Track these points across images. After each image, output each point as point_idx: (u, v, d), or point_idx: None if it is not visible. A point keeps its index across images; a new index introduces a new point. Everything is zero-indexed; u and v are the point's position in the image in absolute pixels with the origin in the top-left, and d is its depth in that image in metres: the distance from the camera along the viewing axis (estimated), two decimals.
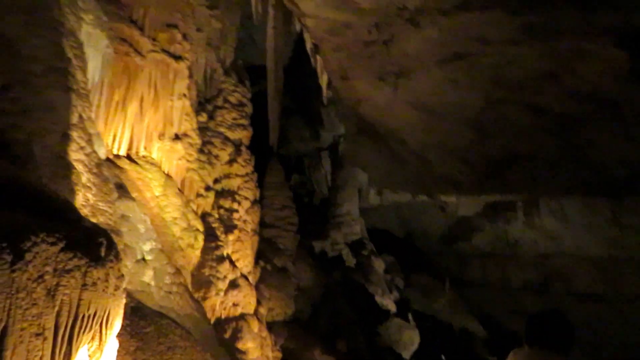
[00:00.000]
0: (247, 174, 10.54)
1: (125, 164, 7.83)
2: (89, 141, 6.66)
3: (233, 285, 9.41)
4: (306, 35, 11.76)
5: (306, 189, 20.11)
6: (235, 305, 9.32)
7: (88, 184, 6.38)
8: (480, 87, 9.91)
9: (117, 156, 7.80)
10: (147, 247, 7.22)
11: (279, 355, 10.19)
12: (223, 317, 9.14)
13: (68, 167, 5.82)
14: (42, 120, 5.22)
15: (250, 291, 9.78)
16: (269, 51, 12.03)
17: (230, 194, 10.15)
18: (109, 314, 4.00)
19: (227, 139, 10.28)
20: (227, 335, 8.96)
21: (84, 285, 3.59)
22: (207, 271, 9.04)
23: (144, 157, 8.27)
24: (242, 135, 10.62)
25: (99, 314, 3.81)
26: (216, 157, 9.99)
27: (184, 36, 8.77)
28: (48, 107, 5.41)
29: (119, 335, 5.77)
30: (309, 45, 11.90)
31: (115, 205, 6.93)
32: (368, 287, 14.48)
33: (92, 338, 4.05)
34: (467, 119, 10.97)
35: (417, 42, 8.59)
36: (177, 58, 8.54)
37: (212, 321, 8.94)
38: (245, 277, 9.88)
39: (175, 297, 7.44)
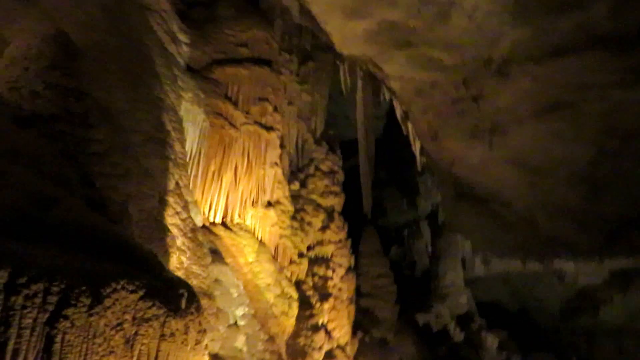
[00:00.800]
0: (340, 241, 10.40)
1: (220, 230, 8.07)
2: (185, 207, 6.98)
3: (329, 356, 9.03)
4: (395, 103, 11.85)
5: (407, 261, 19.45)
6: None
7: (183, 248, 6.61)
8: (588, 138, 9.16)
9: (213, 223, 8.07)
10: (239, 312, 7.20)
11: None
12: None
13: (164, 230, 6.10)
14: (140, 185, 5.57)
15: None
16: (358, 120, 12.21)
17: (324, 260, 10.02)
18: None
19: (319, 206, 10.32)
20: None
21: (162, 335, 3.55)
22: (302, 340, 8.79)
23: (238, 224, 8.49)
24: (334, 202, 10.62)
25: None
26: (309, 224, 10.01)
27: (275, 108, 9.18)
28: (146, 173, 5.79)
29: None
30: (399, 113, 11.95)
31: (209, 269, 7.07)
32: None
33: None
34: (576, 174, 10.11)
35: (509, 94, 8.24)
36: (269, 129, 8.91)
37: None
38: (342, 348, 9.46)
39: None
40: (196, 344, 3.95)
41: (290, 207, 9.51)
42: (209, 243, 7.49)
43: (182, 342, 3.74)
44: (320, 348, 8.90)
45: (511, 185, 10.91)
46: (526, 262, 14.25)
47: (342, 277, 10.17)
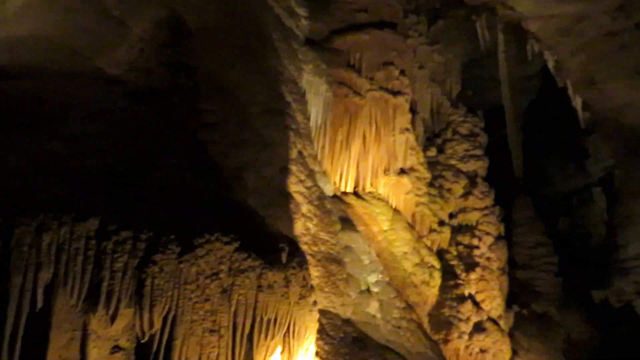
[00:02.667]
0: (486, 207, 9.58)
1: (352, 199, 7.98)
2: (310, 176, 7.02)
3: (479, 328, 8.40)
4: (546, 54, 10.54)
5: (577, 232, 17.40)
6: (483, 351, 8.25)
7: (308, 215, 6.66)
8: None
9: (344, 193, 8.02)
10: (372, 278, 7.04)
11: None
12: None
13: (286, 197, 6.19)
14: (258, 153, 5.72)
15: (502, 337, 8.56)
16: (502, 76, 11.13)
17: (468, 229, 9.33)
18: (293, 323, 3.86)
19: (459, 171, 9.64)
20: None
21: (260, 287, 3.56)
22: (446, 311, 8.31)
23: (370, 192, 8.31)
24: (477, 166, 9.82)
25: (280, 320, 3.71)
26: (448, 190, 9.40)
27: (402, 72, 8.77)
28: (265, 142, 5.93)
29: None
30: (550, 64, 10.60)
31: (338, 236, 7.03)
32: None
33: (282, 350, 3.95)
34: None
35: None
36: (396, 93, 8.54)
37: None
38: (494, 321, 8.74)
39: (405, 332, 6.97)
40: (300, 299, 3.89)
41: (426, 174, 9.04)
42: (340, 212, 7.44)
43: (283, 295, 3.71)
44: (468, 319, 8.32)
45: None
46: None
47: (490, 246, 9.37)
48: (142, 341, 3.10)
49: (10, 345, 2.57)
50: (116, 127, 3.96)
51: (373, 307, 6.72)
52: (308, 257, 6.30)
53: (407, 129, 8.78)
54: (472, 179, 9.76)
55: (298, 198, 6.45)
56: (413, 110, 9.66)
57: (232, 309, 3.42)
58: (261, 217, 4.29)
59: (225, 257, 3.45)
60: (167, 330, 3.07)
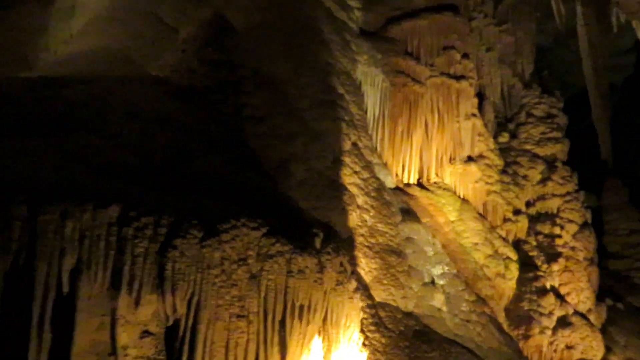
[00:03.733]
0: (568, 193, 8.80)
1: (415, 191, 7.67)
2: (367, 167, 6.82)
3: (564, 323, 7.70)
4: (635, 23, 9.53)
5: None
6: (569, 347, 7.55)
7: (365, 206, 6.46)
8: None
9: (407, 185, 7.72)
10: (437, 270, 6.68)
11: None
12: None
13: (339, 189, 6.05)
14: (307, 145, 5.65)
15: (592, 333, 7.78)
16: (583, 52, 10.22)
17: (548, 217, 8.62)
18: (330, 310, 3.73)
19: (535, 156, 8.94)
20: None
21: (289, 272, 3.47)
22: (526, 305, 7.71)
23: (435, 183, 7.94)
24: (555, 149, 9.05)
25: (314, 306, 3.59)
26: (524, 177, 8.75)
27: (465, 55, 8.32)
28: (314, 135, 5.84)
29: (395, 355, 5.38)
30: None
31: (399, 227, 6.75)
32: None
33: (322, 338, 3.84)
34: None
35: None
36: (459, 78, 8.11)
37: None
38: (582, 315, 7.98)
39: (475, 326, 6.52)
40: (337, 285, 3.75)
41: (498, 161, 8.48)
42: (401, 203, 7.17)
43: (316, 281, 3.59)
44: (551, 313, 7.65)
45: None
46: None
47: (574, 235, 8.58)
48: (168, 325, 3.13)
49: (38, 328, 2.69)
50: (157, 123, 4.07)
51: (438, 300, 6.36)
52: (364, 249, 6.15)
53: (473, 115, 8.30)
54: (550, 163, 9.02)
55: (353, 190, 6.29)
56: (481, 95, 9.13)
57: (262, 294, 3.36)
58: (298, 206, 4.19)
59: (252, 243, 3.40)
60: (192, 314, 3.07)
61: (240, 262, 3.33)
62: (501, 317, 7.37)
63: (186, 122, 4.29)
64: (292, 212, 3.98)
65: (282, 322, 3.48)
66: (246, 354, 3.26)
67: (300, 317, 3.55)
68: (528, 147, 9.05)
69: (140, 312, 3.09)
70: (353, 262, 5.79)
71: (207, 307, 3.10)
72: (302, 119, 5.75)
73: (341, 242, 4.00)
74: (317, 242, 3.74)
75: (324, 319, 3.76)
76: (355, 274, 4.00)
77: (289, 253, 3.48)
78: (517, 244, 8.26)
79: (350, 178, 6.28)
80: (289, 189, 4.87)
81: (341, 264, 3.84)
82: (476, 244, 7.68)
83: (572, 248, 8.49)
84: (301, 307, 3.55)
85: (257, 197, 3.94)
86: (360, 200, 6.30)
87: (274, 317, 3.41)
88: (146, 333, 3.12)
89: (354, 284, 3.96)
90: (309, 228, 3.78)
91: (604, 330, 8.27)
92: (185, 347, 3.06)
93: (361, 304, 5.44)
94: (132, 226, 2.95)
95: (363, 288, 5.71)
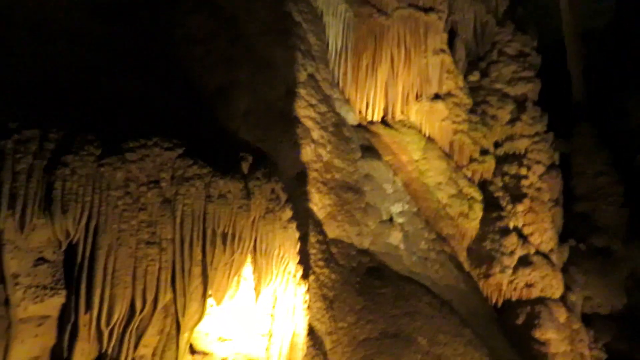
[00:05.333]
0: (536, 134, 8.46)
1: (379, 128, 7.26)
2: (324, 101, 6.36)
3: (525, 262, 7.53)
4: None
5: None
6: (529, 286, 7.41)
7: (321, 141, 6.05)
8: None
9: (371, 122, 7.31)
10: (396, 208, 6.39)
11: (602, 356, 7.57)
12: (513, 299, 7.37)
13: (291, 121, 5.62)
14: (254, 74, 5.17)
15: (552, 272, 7.64)
16: None
17: (515, 157, 8.31)
18: (259, 239, 3.38)
19: (505, 95, 8.53)
20: (519, 321, 7.15)
21: (209, 197, 3.08)
22: (488, 244, 7.50)
23: (400, 121, 7.53)
24: (526, 89, 8.64)
25: (239, 235, 3.23)
26: (493, 117, 8.37)
27: None
28: (263, 63, 5.35)
29: (345, 291, 5.15)
30: None
31: (357, 164, 6.39)
32: None
33: (253, 269, 3.51)
34: None
35: None
36: (427, 10, 7.55)
37: (499, 302, 7.31)
38: (544, 255, 7.82)
39: (433, 264, 6.31)
40: (267, 213, 3.39)
41: (466, 100, 8.07)
42: (363, 140, 6.77)
43: (241, 207, 3.21)
44: (512, 253, 7.46)
45: None
46: None
47: (541, 176, 8.31)
48: (62, 250, 2.77)
49: None
50: (66, 39, 3.56)
51: (395, 238, 6.10)
52: (318, 185, 5.80)
53: (442, 50, 7.80)
54: (520, 103, 8.63)
55: (307, 123, 5.86)
56: (453, 32, 8.61)
57: (177, 220, 2.99)
58: (237, 136, 3.77)
59: (166, 164, 2.99)
60: (90, 240, 2.71)
61: (150, 185, 2.93)
62: (462, 257, 7.18)
63: (103, 40, 3.77)
64: (221, 138, 3.56)
65: (203, 251, 3.13)
66: (158, 282, 2.92)
67: (224, 246, 3.20)
68: (498, 86, 8.62)
69: (32, 238, 2.71)
70: (305, 197, 5.48)
71: (108, 232, 2.72)
72: (249, 45, 5.23)
73: (275, 169, 3.59)
74: (244, 167, 3.35)
75: (254, 249, 3.42)
76: (290, 202, 3.63)
77: (208, 176, 3.09)
78: (482, 185, 7.98)
79: (305, 111, 5.84)
80: (230, 119, 4.43)
81: (273, 191, 3.47)
82: (440, 183, 7.38)
83: (538, 189, 8.24)
84: (224, 236, 3.19)
85: (181, 123, 3.51)
86: (316, 134, 5.89)
87: (191, 246, 3.05)
88: (41, 260, 2.75)
89: (288, 213, 3.61)
90: (237, 153, 3.38)
91: (565, 270, 8.15)
92: (84, 275, 2.71)
93: (312, 240, 5.19)
94: (12, 139, 2.53)
95: (315, 224, 5.42)
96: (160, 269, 2.93)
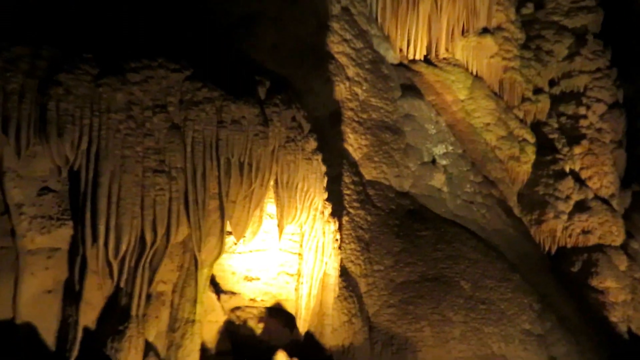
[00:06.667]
0: (598, 70, 7.59)
1: (421, 67, 6.69)
2: (360, 37, 5.84)
3: (582, 207, 6.89)
4: None
5: None
6: (585, 232, 6.80)
7: (357, 79, 5.58)
8: None
9: (413, 61, 6.74)
10: (439, 150, 5.89)
11: None
12: (569, 246, 6.80)
13: (323, 57, 5.18)
14: (281, 5, 4.75)
15: (613, 218, 6.96)
16: None
17: (573, 96, 7.52)
18: (281, 171, 3.07)
19: (563, 28, 7.67)
20: (574, 269, 6.60)
21: (221, 122, 2.78)
22: (541, 189, 6.89)
23: (445, 59, 6.91)
24: (587, 20, 7.72)
25: (256, 164, 2.93)
26: (548, 52, 7.56)
27: None
28: None
29: (382, 233, 4.80)
30: None
31: (397, 104, 5.90)
32: None
33: (276, 204, 3.22)
34: None
35: None
36: None
37: (553, 249, 6.75)
38: (603, 200, 7.13)
39: (479, 208, 5.82)
40: (288, 142, 3.06)
41: (518, 34, 7.31)
42: (405, 79, 6.24)
43: (257, 135, 2.90)
44: (568, 198, 6.83)
45: None
46: None
47: (602, 115, 7.50)
48: (62, 176, 2.57)
49: None
50: None
51: (438, 180, 5.63)
52: (354, 124, 5.39)
53: None
54: (580, 36, 7.73)
55: (341, 59, 5.40)
56: None
57: (188, 148, 2.72)
58: (253, 61, 3.41)
59: (173, 87, 2.70)
60: (92, 166, 2.49)
61: (156, 109, 2.66)
62: (512, 201, 6.62)
63: None
64: (238, 64, 3.22)
65: (220, 184, 2.86)
66: (170, 214, 2.69)
67: (241, 177, 2.91)
68: (555, 18, 7.75)
69: (34, 166, 2.52)
70: (339, 137, 5.11)
71: (110, 158, 2.48)
72: None
73: (297, 97, 3.23)
74: (261, 92, 3.01)
75: (276, 182, 3.13)
76: (313, 133, 3.28)
77: (219, 100, 2.77)
78: (536, 126, 7.29)
79: (338, 46, 5.38)
80: (255, 51, 4.05)
81: (294, 119, 3.12)
82: (488, 124, 6.77)
83: (598, 130, 7.46)
84: (241, 165, 2.90)
85: (194, 47, 3.18)
86: (351, 71, 5.44)
87: (204, 176, 2.78)
88: (45, 190, 2.57)
89: (312, 144, 3.26)
90: (250, 73, 3.04)
91: (627, 216, 7.44)
92: (88, 204, 2.50)
93: (346, 180, 4.84)
94: (1, 57, 2.30)
95: (350, 165, 5.05)
96: (171, 199, 2.68)
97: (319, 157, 3.30)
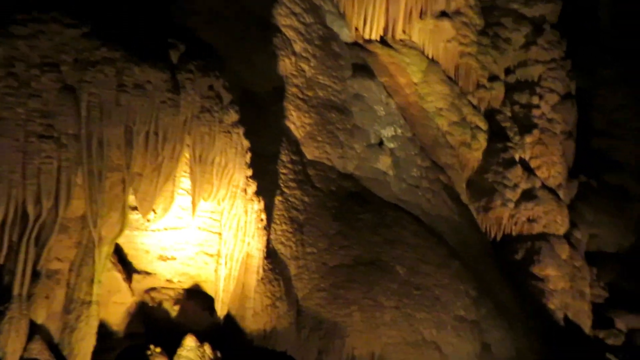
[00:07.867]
0: (553, 60, 7.51)
1: (376, 47, 6.43)
2: (311, 11, 5.55)
3: (529, 196, 6.85)
4: None
5: None
6: (531, 221, 6.76)
7: (304, 54, 5.31)
8: None
9: (369, 41, 6.49)
10: (387, 132, 5.70)
11: (604, 294, 7.01)
12: (514, 233, 6.75)
13: (268, 29, 4.87)
14: None
15: (558, 208, 6.95)
16: None
17: (527, 85, 7.43)
18: (193, 143, 2.79)
19: (521, 16, 7.53)
20: (517, 256, 6.57)
21: (121, 85, 2.47)
22: (490, 176, 6.80)
23: (401, 40, 6.68)
24: (546, 10, 7.60)
25: (164, 135, 2.64)
26: (506, 40, 7.42)
27: None
28: None
29: (318, 215, 4.60)
30: None
31: (347, 83, 5.66)
32: None
33: (190, 179, 2.95)
34: None
35: None
36: None
37: (498, 236, 6.70)
38: (550, 189, 7.11)
39: (425, 193, 5.68)
40: (203, 112, 2.78)
41: (477, 19, 7.12)
42: (357, 59, 6.00)
43: (164, 102, 2.61)
44: (516, 186, 6.77)
45: None
46: None
47: (554, 106, 7.44)
48: None
49: None
50: None
51: (384, 163, 5.43)
52: (297, 102, 5.11)
53: None
54: (537, 25, 7.61)
55: (289, 33, 5.10)
56: None
57: (83, 112, 2.42)
58: (193, 35, 3.08)
59: (68, 45, 2.39)
60: None
61: (45, 68, 2.34)
62: (460, 188, 6.51)
63: None
64: (153, 25, 2.90)
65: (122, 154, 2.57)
66: (59, 184, 2.40)
67: (146, 148, 2.63)
68: (515, 6, 7.60)
69: None
70: (281, 113, 4.84)
71: None
72: None
73: (220, 65, 2.94)
74: (174, 56, 2.71)
75: (191, 155, 2.85)
76: (234, 105, 3.00)
77: (120, 61, 2.47)
78: (489, 113, 7.17)
79: (286, 19, 5.08)
80: (193, 18, 3.73)
81: (211, 87, 2.83)
82: (440, 109, 6.60)
83: (550, 120, 7.40)
84: (146, 135, 2.61)
85: (101, 4, 2.83)
86: (298, 46, 5.15)
87: (101, 145, 2.48)
88: None
89: (233, 116, 2.98)
90: (165, 39, 2.73)
91: (572, 206, 7.46)
92: None
93: (284, 159, 4.58)
94: None
95: (290, 143, 4.80)
96: (60, 168, 2.38)
97: (240, 130, 3.03)
